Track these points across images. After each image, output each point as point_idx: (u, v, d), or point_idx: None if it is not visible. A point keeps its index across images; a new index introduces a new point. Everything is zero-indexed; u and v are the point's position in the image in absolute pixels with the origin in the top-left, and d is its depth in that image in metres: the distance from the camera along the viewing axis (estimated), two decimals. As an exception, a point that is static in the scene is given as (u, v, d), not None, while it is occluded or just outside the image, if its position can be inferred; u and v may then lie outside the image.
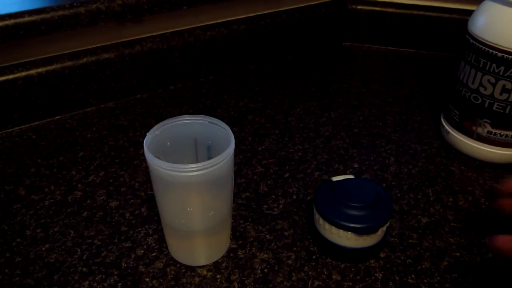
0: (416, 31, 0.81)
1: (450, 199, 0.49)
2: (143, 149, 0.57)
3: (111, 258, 0.42)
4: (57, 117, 0.63)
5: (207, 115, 0.40)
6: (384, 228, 0.41)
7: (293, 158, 0.55)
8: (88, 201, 0.49)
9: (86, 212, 0.47)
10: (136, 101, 0.67)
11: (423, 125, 0.62)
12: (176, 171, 0.34)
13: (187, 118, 0.40)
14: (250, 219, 0.46)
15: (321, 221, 0.41)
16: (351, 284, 0.40)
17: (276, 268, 0.41)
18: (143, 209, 0.47)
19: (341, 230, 0.40)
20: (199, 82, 0.72)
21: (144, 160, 0.54)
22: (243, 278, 0.40)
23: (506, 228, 0.45)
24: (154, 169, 0.35)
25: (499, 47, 0.47)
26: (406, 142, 0.58)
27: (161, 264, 0.41)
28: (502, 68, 0.47)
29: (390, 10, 0.81)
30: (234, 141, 0.37)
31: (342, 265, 0.41)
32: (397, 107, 0.66)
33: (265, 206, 0.48)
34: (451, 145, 0.57)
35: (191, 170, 0.34)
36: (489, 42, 0.47)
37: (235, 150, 0.37)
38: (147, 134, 0.37)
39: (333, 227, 0.40)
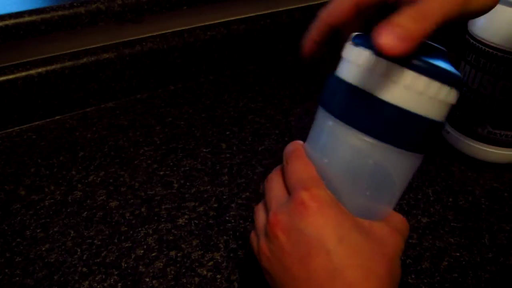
0: (416, 31, 0.81)
1: (450, 199, 0.49)
2: (143, 149, 0.57)
3: (111, 258, 0.42)
4: (57, 117, 0.63)
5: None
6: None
7: (293, 158, 0.55)
8: (88, 201, 0.49)
9: (86, 212, 0.47)
10: (136, 101, 0.67)
11: (423, 125, 0.62)
12: None
13: None
14: (250, 219, 0.46)
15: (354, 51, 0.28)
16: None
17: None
18: (143, 209, 0.47)
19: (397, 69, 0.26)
20: (199, 82, 0.72)
21: (144, 160, 0.55)
22: (243, 278, 0.40)
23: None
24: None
25: (499, 47, 0.47)
26: (406, 142, 0.58)
27: (161, 264, 0.41)
28: (502, 68, 0.47)
29: (390, 10, 0.81)
30: None
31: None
32: (397, 107, 0.66)
33: (265, 206, 0.48)
34: (451, 145, 0.57)
35: None
36: (489, 42, 0.47)
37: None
38: None
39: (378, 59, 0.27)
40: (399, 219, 0.32)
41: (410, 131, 0.28)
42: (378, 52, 0.25)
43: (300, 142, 0.34)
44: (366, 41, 0.28)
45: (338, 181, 0.30)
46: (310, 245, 0.28)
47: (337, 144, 0.30)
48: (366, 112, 0.28)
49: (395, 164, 0.29)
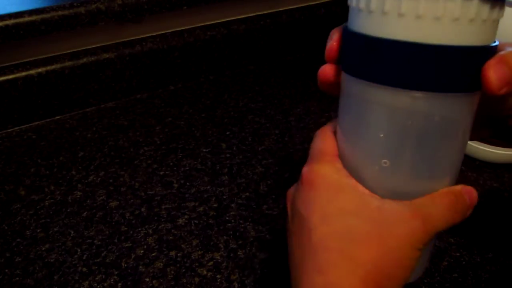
0: (416, 31, 0.81)
1: (450, 199, 0.49)
2: (143, 149, 0.57)
3: (111, 258, 0.42)
4: (57, 117, 0.63)
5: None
6: None
7: (293, 158, 0.55)
8: (88, 201, 0.49)
9: (86, 212, 0.47)
10: (136, 101, 0.67)
11: (423, 125, 0.62)
12: None
13: None
14: (250, 219, 0.46)
15: None
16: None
17: (276, 268, 0.41)
18: (143, 209, 0.47)
19: None
20: (199, 82, 0.72)
21: (144, 160, 0.55)
22: (243, 278, 0.40)
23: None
24: None
25: (499, 47, 0.47)
26: (406, 142, 0.58)
27: (161, 264, 0.41)
28: (502, 68, 0.47)
29: (390, 10, 0.81)
30: None
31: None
32: (397, 107, 0.66)
33: (265, 206, 0.48)
34: (451, 145, 0.57)
35: None
36: (489, 42, 0.47)
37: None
38: None
39: None
40: (438, 202, 0.25)
41: (411, 67, 0.23)
42: None
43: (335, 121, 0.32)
44: None
45: (352, 153, 0.27)
46: (299, 221, 0.27)
47: (345, 107, 0.27)
48: (364, 56, 0.25)
49: (401, 115, 0.23)
